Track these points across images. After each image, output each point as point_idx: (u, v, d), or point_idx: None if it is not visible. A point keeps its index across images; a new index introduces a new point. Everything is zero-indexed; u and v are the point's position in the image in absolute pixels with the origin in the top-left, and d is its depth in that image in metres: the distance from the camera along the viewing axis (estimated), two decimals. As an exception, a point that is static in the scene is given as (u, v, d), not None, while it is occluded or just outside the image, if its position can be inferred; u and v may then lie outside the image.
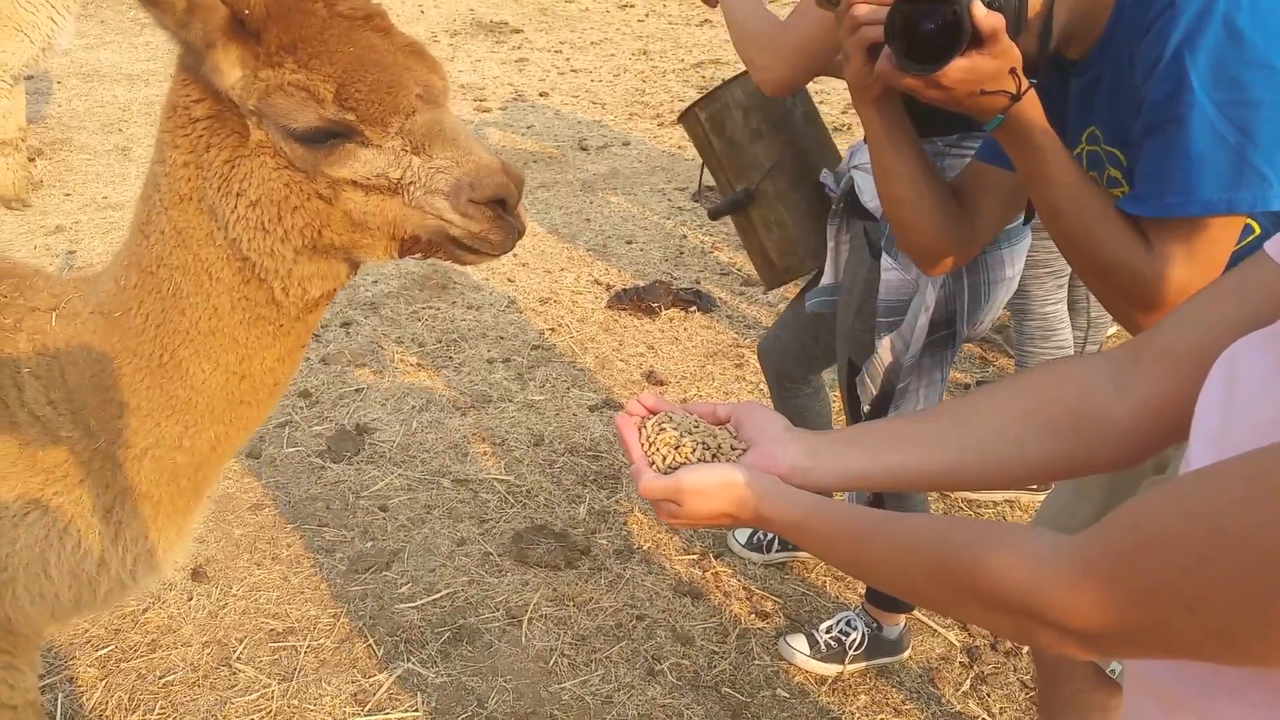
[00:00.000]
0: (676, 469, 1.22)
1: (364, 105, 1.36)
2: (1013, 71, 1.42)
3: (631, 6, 10.05)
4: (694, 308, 4.79)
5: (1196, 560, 0.76)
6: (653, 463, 1.24)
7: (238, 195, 1.42)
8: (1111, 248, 1.47)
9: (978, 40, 1.39)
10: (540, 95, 7.72)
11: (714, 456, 1.24)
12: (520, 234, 1.48)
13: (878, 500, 2.61)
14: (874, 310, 2.36)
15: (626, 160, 6.58)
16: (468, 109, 7.29)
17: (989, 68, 1.40)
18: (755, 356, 4.41)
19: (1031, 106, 1.47)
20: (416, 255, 1.50)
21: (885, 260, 2.31)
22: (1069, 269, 3.43)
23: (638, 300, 4.82)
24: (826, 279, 2.63)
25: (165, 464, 1.58)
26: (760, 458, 1.22)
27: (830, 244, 2.58)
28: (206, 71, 1.40)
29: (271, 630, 2.93)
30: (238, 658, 2.82)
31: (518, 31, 9.24)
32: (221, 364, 1.53)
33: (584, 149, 6.76)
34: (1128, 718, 1.00)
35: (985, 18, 1.37)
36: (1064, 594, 0.85)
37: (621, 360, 4.37)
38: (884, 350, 2.36)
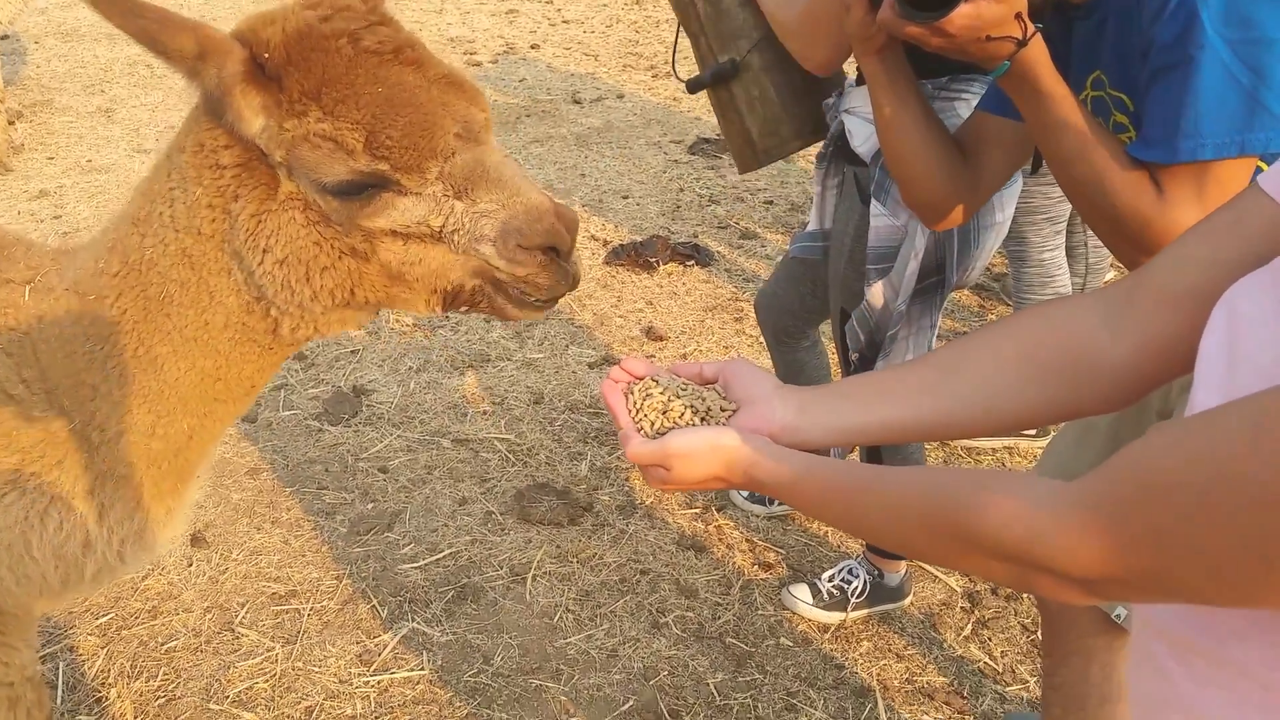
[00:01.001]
0: (665, 433, 1.19)
1: (398, 152, 1.26)
2: (1018, 16, 1.39)
3: (622, -45, 9.89)
4: (692, 262, 4.74)
5: (1199, 504, 0.75)
6: (640, 428, 1.22)
7: (264, 251, 1.34)
8: (1122, 195, 1.44)
9: None
10: (531, 48, 7.61)
11: (703, 419, 1.21)
12: (575, 282, 1.37)
13: (874, 451, 2.60)
14: (864, 257, 2.33)
15: (621, 113, 6.49)
16: (457, 62, 7.18)
17: (994, 13, 1.37)
18: (753, 309, 4.38)
19: (1038, 52, 1.44)
20: (460, 309, 1.42)
21: (875, 206, 2.27)
22: (1066, 215, 3.39)
23: (635, 255, 4.77)
24: (812, 224, 2.59)
25: (141, 449, 1.53)
26: (751, 418, 1.20)
27: (817, 189, 2.54)
28: (230, 119, 1.30)
29: (273, 594, 2.92)
30: (240, 622, 2.82)
31: (507, -17, 9.09)
32: (197, 367, 1.47)
33: (577, 102, 6.66)
34: (1136, 660, 0.99)
35: None
36: (1065, 540, 0.84)
37: (620, 316, 4.33)
38: (874, 297, 2.34)
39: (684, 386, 1.24)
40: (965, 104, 2.16)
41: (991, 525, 0.90)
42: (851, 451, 2.81)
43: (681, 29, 2.55)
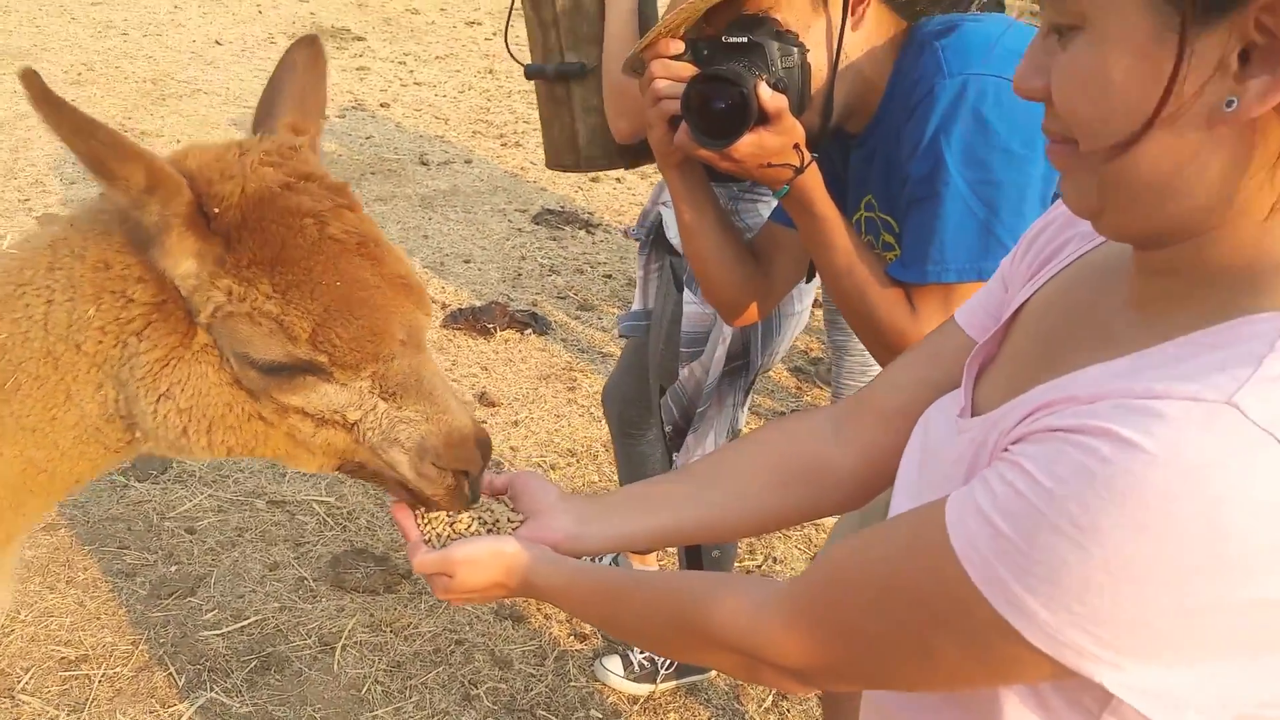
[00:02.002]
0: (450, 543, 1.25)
1: (342, 350, 1.19)
2: (796, 146, 1.54)
3: (479, 24, 10.01)
4: (529, 330, 4.79)
5: (873, 603, 0.86)
6: (429, 539, 1.27)
7: (163, 396, 1.23)
8: (880, 309, 1.60)
9: (764, 118, 1.50)
10: (381, 105, 7.59)
11: (490, 530, 1.28)
12: (475, 500, 1.31)
13: (693, 547, 2.72)
14: (679, 340, 2.48)
15: (468, 178, 6.53)
16: (305, 116, 7.11)
17: (774, 144, 1.52)
18: (587, 379, 4.46)
19: (813, 178, 1.58)
20: (357, 478, 1.35)
21: (687, 294, 2.43)
22: None
23: (473, 320, 4.79)
24: (636, 305, 2.73)
25: None
26: (536, 529, 1.28)
27: (640, 273, 2.67)
28: (155, 255, 1.20)
29: (62, 658, 2.76)
30: (23, 688, 2.65)
31: (360, 39, 9.06)
32: (25, 457, 1.31)
33: (425, 164, 6.68)
34: None
35: (770, 99, 1.49)
36: (775, 636, 0.95)
37: (454, 380, 4.33)
38: (686, 377, 2.50)
39: None
40: (767, 205, 2.34)
41: (719, 624, 1.00)
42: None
43: (527, 7, 2.38)
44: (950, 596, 0.79)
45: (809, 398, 4.50)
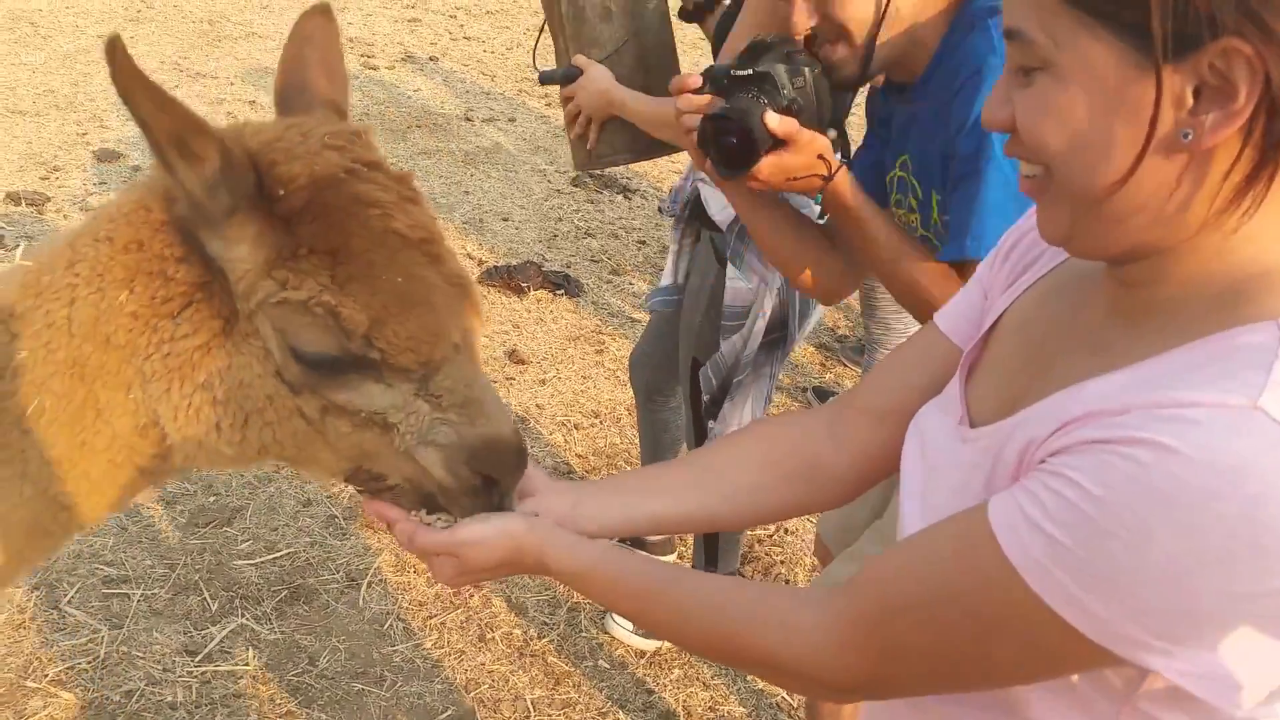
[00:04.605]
0: (450, 525, 1.20)
1: (396, 350, 1.12)
2: (821, 156, 1.61)
3: (531, -21, 10.05)
4: (561, 291, 4.90)
5: (926, 618, 0.91)
6: (427, 523, 1.23)
7: (200, 387, 1.14)
8: (934, 288, 1.67)
9: (780, 142, 1.58)
10: (430, 59, 7.67)
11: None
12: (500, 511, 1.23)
13: (711, 536, 2.82)
14: (720, 314, 2.56)
15: (511, 136, 6.62)
16: (354, 64, 7.20)
17: (795, 162, 1.60)
18: (615, 343, 4.57)
19: (845, 183, 1.65)
20: (356, 487, 1.27)
21: (730, 270, 2.50)
22: None
23: (508, 278, 4.90)
24: (666, 279, 2.80)
25: None
26: (530, 509, 1.25)
27: (674, 247, 2.75)
28: (207, 236, 1.13)
29: (105, 577, 2.94)
30: (68, 602, 2.83)
31: (414, -9, 9.12)
32: (48, 494, 1.20)
33: (469, 120, 6.76)
34: (876, 705, 1.16)
35: (779, 125, 1.57)
36: (830, 661, 0.99)
37: (486, 336, 4.45)
38: (727, 350, 2.59)
39: None
40: None
41: (766, 651, 1.03)
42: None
43: (546, 22, 2.52)
44: (1006, 602, 0.83)
45: (832, 374, 4.59)
